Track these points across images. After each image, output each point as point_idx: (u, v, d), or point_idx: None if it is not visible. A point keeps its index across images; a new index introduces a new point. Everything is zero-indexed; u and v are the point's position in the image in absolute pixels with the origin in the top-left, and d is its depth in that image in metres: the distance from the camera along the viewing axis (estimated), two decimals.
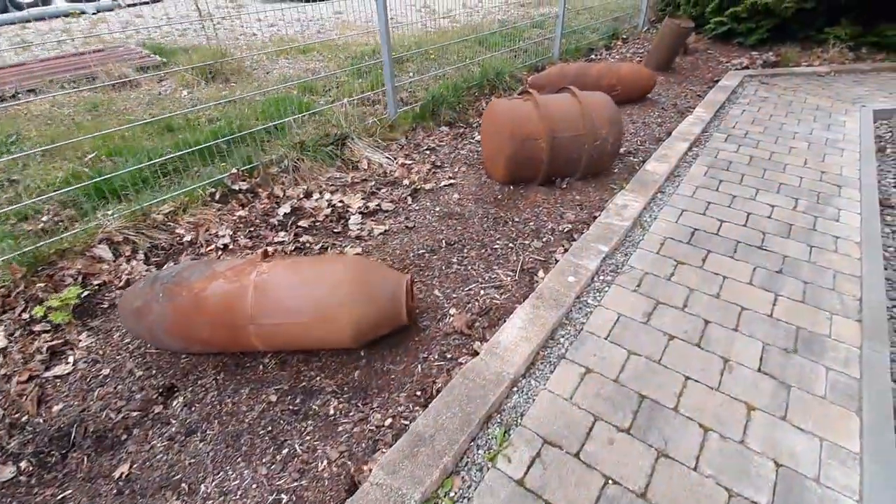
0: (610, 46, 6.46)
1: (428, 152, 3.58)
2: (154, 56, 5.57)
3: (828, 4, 5.63)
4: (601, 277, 2.26)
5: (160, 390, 1.78)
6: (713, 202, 2.86)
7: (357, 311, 1.67)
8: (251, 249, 2.53)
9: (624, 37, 6.77)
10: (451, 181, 3.16)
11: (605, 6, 9.05)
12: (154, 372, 1.85)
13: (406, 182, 3.12)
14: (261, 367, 1.84)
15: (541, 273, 2.30)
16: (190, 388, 1.78)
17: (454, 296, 2.18)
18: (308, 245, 2.57)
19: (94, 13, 8.99)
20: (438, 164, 3.40)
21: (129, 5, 9.95)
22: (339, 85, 4.63)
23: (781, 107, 4.29)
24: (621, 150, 3.53)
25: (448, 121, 4.06)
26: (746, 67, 5.46)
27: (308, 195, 2.97)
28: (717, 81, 5.01)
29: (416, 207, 2.89)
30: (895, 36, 5.58)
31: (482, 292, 2.20)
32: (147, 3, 10.07)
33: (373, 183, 3.12)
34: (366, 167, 3.30)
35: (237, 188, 2.91)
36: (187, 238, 2.57)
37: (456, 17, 8.14)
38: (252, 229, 2.67)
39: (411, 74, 5.09)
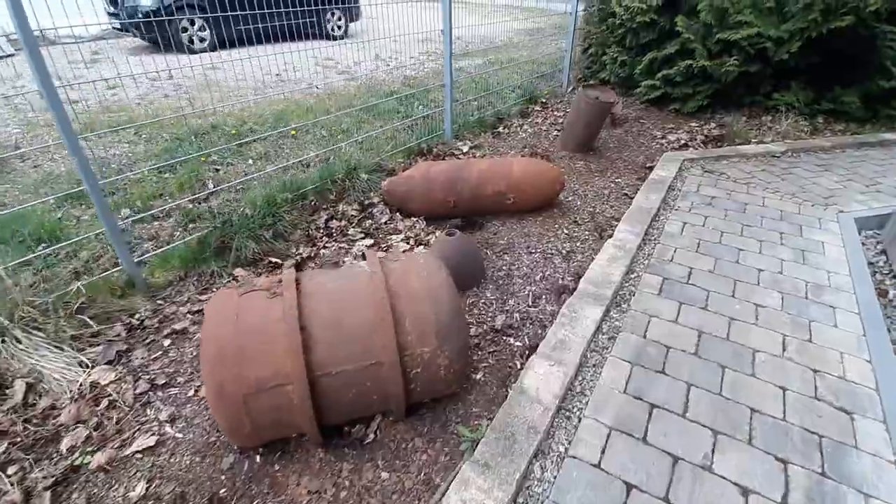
0: (527, 113, 5.31)
1: (168, 343, 2.09)
2: None
3: (775, 68, 4.68)
4: None
5: None
6: (639, 467, 1.50)
7: None
8: None
9: (544, 100, 5.66)
10: (161, 434, 1.67)
11: (533, 58, 8.13)
12: None
13: (68, 445, 1.61)
14: None
15: None
16: None
17: None
18: None
19: None
20: (163, 380, 1.91)
21: None
22: None
23: (734, 216, 3.10)
24: (497, 325, 2.17)
25: (251, 257, 2.62)
26: (686, 145, 4.36)
27: None
28: (650, 168, 3.84)
29: None
30: (853, 103, 4.66)
31: None
32: None
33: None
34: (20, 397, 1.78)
35: None
36: None
37: (354, 73, 6.92)
38: None
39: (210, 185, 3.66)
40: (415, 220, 2.99)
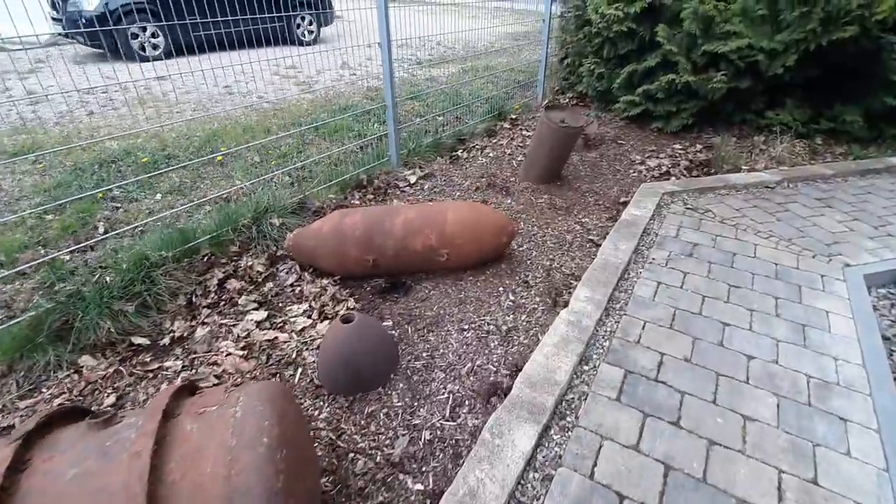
0: (494, 132, 4.76)
1: None
2: None
3: (768, 83, 4.15)
4: None
5: None
6: None
7: None
8: None
9: (514, 116, 5.11)
10: None
11: (513, 66, 7.60)
12: None
13: None
14: None
15: None
16: None
17: None
18: None
19: None
20: None
21: None
22: None
23: (720, 272, 2.55)
24: (394, 455, 1.61)
25: (105, 339, 2.05)
26: (667, 173, 3.81)
27: None
28: (624, 204, 3.30)
29: None
30: (855, 122, 4.14)
31: None
32: None
33: None
34: None
35: None
36: None
37: (313, 84, 6.36)
38: None
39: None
40: (327, 282, 2.43)
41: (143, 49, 7.29)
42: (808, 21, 3.67)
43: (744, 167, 3.83)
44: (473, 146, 4.36)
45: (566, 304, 2.26)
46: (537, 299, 2.37)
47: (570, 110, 3.56)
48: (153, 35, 7.47)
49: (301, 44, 9.20)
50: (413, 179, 3.62)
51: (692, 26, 4.01)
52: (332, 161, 3.72)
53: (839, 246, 2.82)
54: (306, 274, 2.48)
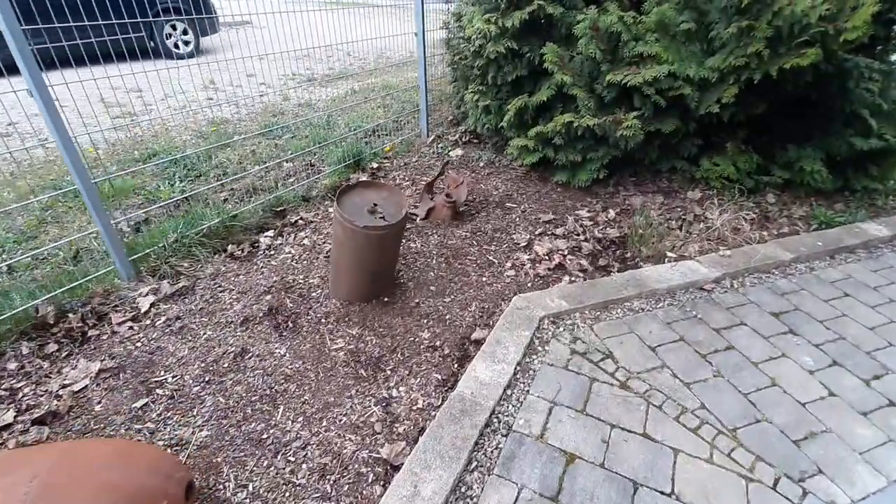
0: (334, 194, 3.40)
1: None
2: None
3: (700, 122, 2.99)
4: None
5: None
6: None
7: None
8: None
9: (376, 165, 3.77)
10: None
11: (404, 85, 6.22)
12: None
13: None
14: None
15: None
16: None
17: None
18: None
19: None
20: None
21: None
22: None
23: None
24: None
25: None
26: (560, 268, 2.54)
27: None
28: (477, 343, 2.02)
29: None
30: (816, 172, 3.02)
31: None
32: None
33: None
34: None
35: None
36: None
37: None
38: None
39: None
40: None
41: None
42: (749, 41, 2.50)
43: (670, 253, 2.62)
44: (290, 224, 2.99)
45: None
46: None
47: (388, 189, 2.24)
48: None
49: (174, 57, 7.61)
50: (146, 305, 2.22)
51: (591, 47, 2.79)
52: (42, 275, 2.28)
53: (815, 444, 1.62)
54: None
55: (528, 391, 1.78)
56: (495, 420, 1.66)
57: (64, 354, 1.99)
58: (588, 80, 2.99)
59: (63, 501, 1.06)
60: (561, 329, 2.10)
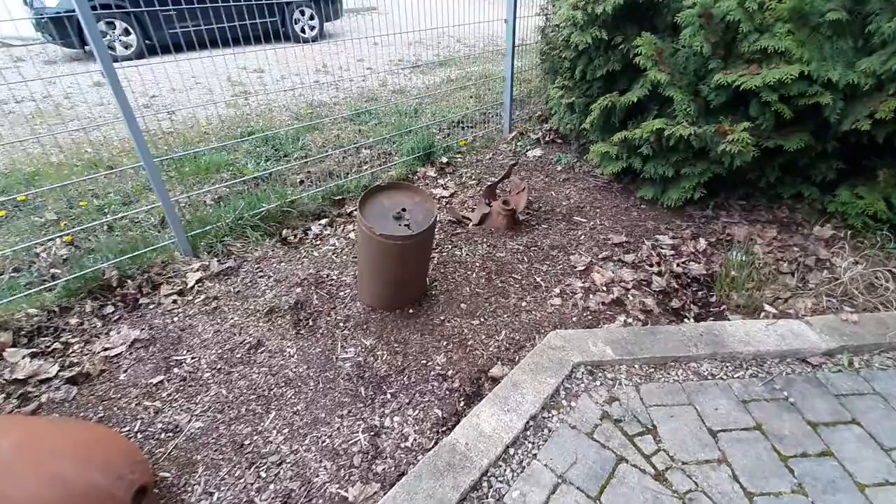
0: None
1: None
2: None
3: (839, 139, 2.32)
4: None
5: None
6: None
7: None
8: None
9: (445, 159, 3.60)
10: None
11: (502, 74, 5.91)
12: None
13: None
14: None
15: None
16: None
17: None
18: None
19: None
20: None
21: None
22: None
23: None
24: None
25: None
26: (618, 303, 2.14)
27: None
28: (494, 381, 1.77)
29: None
30: None
31: None
32: None
33: None
34: None
35: None
36: None
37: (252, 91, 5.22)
38: None
39: None
40: None
41: (113, 49, 6.61)
42: None
43: (769, 307, 2.07)
44: (344, 215, 2.96)
45: None
46: None
47: (421, 194, 2.04)
48: (125, 32, 6.81)
49: (301, 41, 8.19)
50: (192, 281, 2.33)
51: (697, 39, 2.26)
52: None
53: None
54: None
55: (534, 455, 1.51)
56: (485, 484, 1.42)
57: (116, 317, 2.17)
58: (692, 80, 2.47)
59: (9, 486, 1.09)
60: (598, 383, 1.76)
